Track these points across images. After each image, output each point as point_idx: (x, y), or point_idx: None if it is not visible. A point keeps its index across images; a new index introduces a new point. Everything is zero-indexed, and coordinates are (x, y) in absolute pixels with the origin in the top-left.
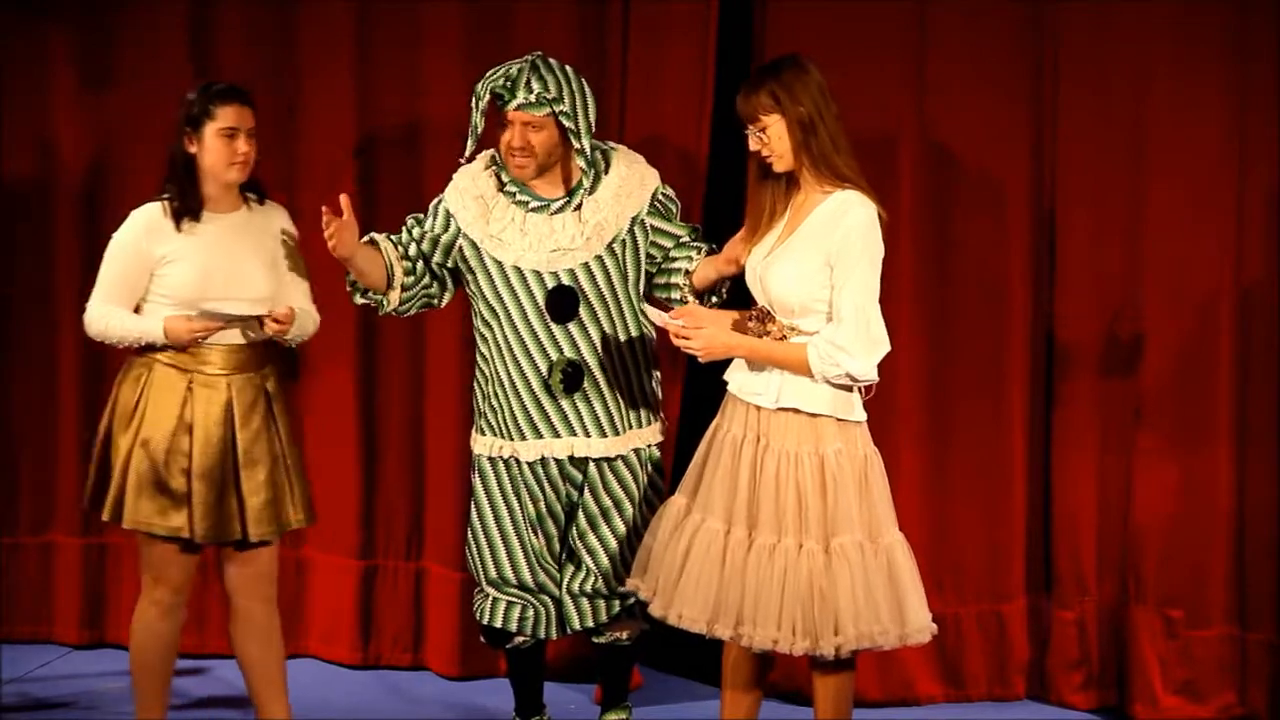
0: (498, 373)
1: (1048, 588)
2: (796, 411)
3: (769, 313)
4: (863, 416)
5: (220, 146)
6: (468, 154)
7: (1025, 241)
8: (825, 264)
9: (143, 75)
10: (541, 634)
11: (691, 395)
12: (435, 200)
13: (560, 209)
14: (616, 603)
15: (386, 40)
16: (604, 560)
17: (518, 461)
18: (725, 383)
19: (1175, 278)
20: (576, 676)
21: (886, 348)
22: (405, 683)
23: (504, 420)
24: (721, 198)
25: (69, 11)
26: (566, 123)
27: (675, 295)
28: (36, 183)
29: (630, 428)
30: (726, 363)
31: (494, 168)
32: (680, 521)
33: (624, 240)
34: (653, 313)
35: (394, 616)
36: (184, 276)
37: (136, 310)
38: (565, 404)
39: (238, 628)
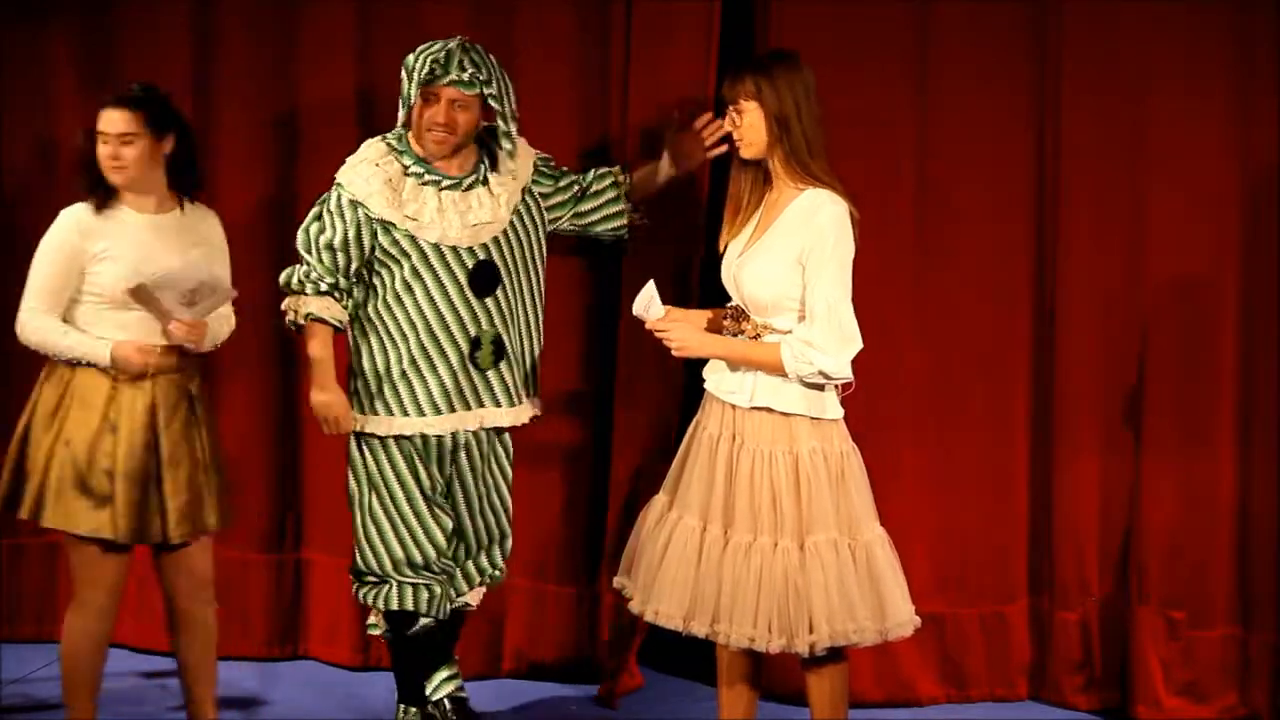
0: (410, 352)
1: (1050, 589)
2: (770, 410)
3: (743, 311)
4: (839, 414)
5: (100, 148)
6: (401, 122)
7: (1027, 241)
8: (797, 262)
9: (144, 75)
10: (441, 614)
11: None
12: (328, 203)
13: (472, 185)
14: (478, 576)
15: (387, 40)
16: (484, 536)
17: (414, 440)
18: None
19: (1178, 277)
20: (577, 677)
21: (859, 345)
22: None
23: (415, 398)
24: (725, 197)
25: (70, 11)
26: (495, 105)
27: (618, 223)
28: (37, 183)
29: (526, 397)
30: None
31: (394, 153)
32: (662, 519)
33: (519, 210)
34: (641, 302)
35: None
36: (113, 275)
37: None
38: (477, 377)
39: (175, 629)
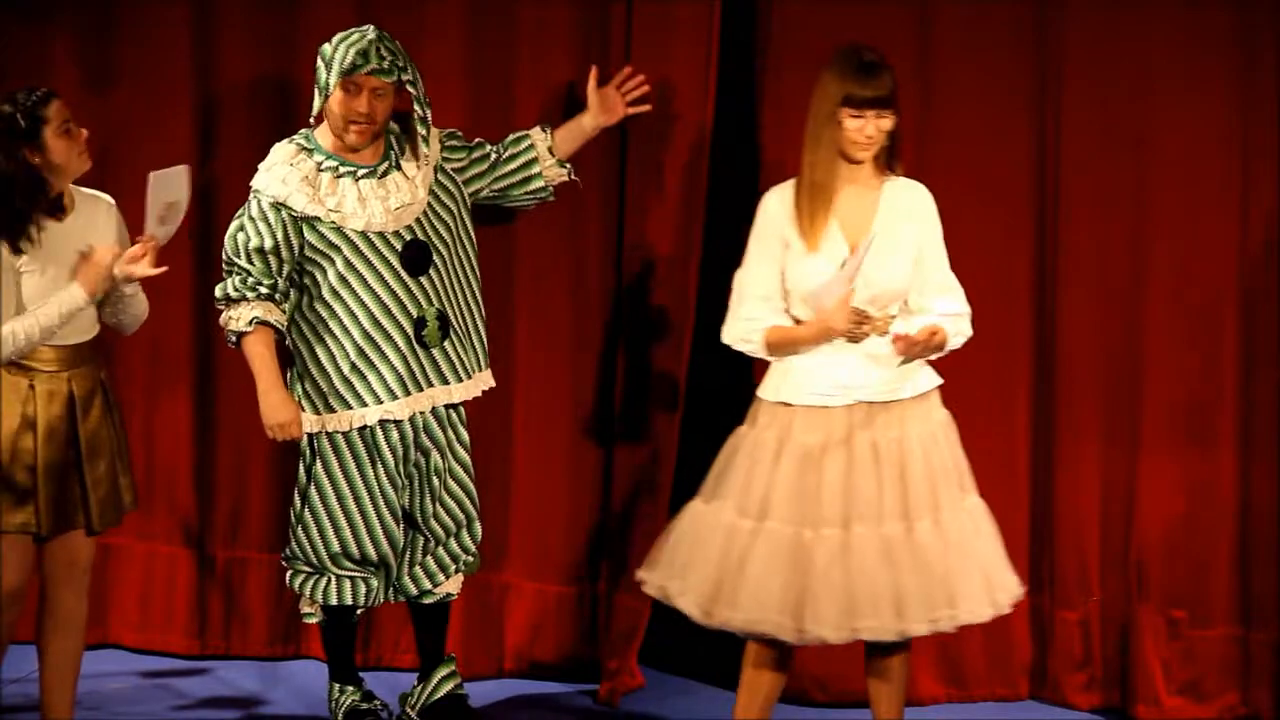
0: (356, 343)
1: (1051, 588)
2: (923, 393)
3: (865, 311)
4: None
5: (64, 142)
6: (315, 114)
7: (1028, 240)
8: (915, 248)
9: (144, 75)
10: (376, 604)
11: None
12: (248, 210)
13: (386, 171)
14: (452, 564)
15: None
16: (448, 521)
17: (375, 430)
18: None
19: (1178, 276)
20: (577, 676)
21: None
22: (406, 683)
23: (370, 388)
24: (724, 197)
25: (70, 10)
26: (412, 90)
27: (537, 184)
28: None
29: (477, 370)
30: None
31: (304, 152)
32: (749, 541)
33: (434, 189)
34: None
35: (394, 618)
36: (37, 283)
37: None
38: (425, 357)
39: (46, 617)
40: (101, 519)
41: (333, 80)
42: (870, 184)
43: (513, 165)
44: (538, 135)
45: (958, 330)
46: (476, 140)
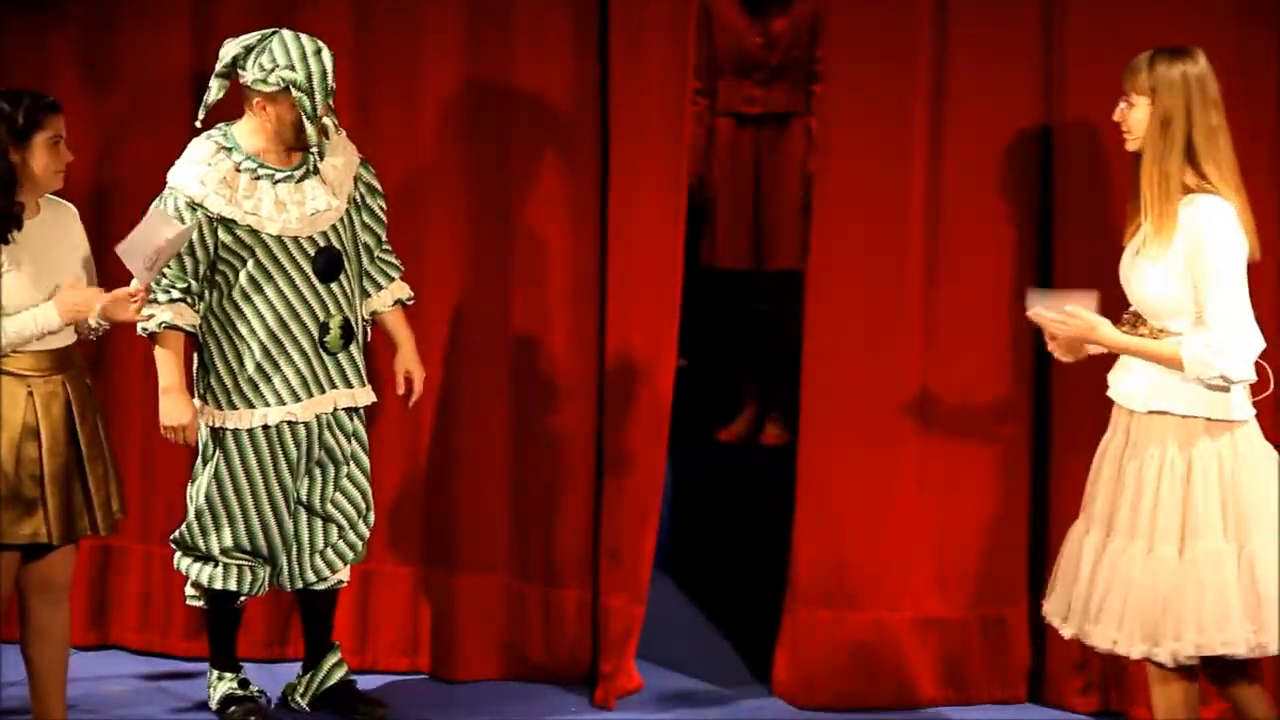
0: (263, 344)
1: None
2: (1165, 413)
3: (1140, 316)
4: (1245, 415)
5: (49, 155)
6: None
7: (1027, 239)
8: (1184, 268)
9: (144, 74)
10: (259, 593)
11: None
12: (163, 207)
13: (304, 176)
14: (349, 553)
15: (387, 39)
16: (350, 510)
17: (279, 428)
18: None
19: None
20: (576, 678)
21: (1258, 344)
22: (402, 686)
23: (274, 388)
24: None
25: (70, 10)
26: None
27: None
28: None
29: (366, 377)
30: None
31: (223, 151)
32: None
33: (351, 196)
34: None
35: (391, 620)
36: (16, 283)
37: None
38: (329, 361)
39: (27, 629)
40: (105, 523)
41: (320, 101)
42: (1179, 193)
43: (369, 267)
44: (397, 289)
45: (1194, 359)
46: (382, 207)
